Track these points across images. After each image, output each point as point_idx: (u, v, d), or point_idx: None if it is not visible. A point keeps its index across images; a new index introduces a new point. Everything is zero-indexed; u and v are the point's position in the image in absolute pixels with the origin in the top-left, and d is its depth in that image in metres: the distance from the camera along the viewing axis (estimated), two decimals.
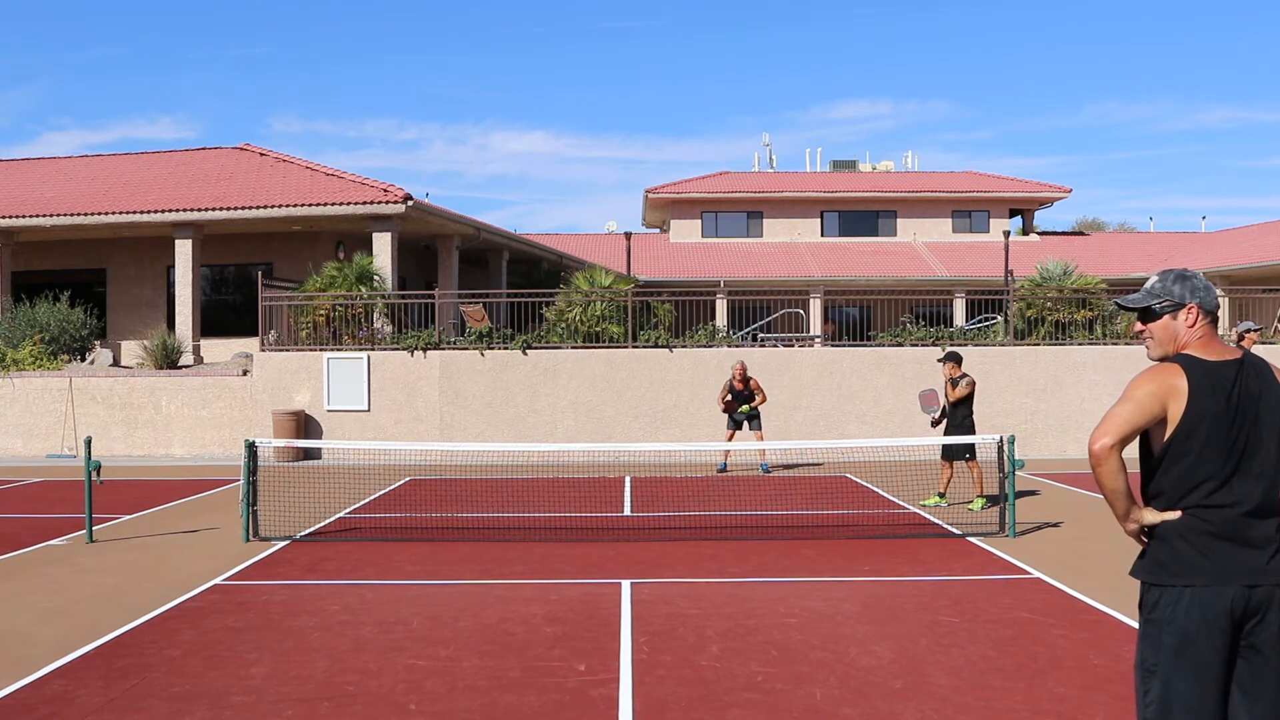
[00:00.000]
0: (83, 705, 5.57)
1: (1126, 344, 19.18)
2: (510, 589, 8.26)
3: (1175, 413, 3.30)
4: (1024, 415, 18.60)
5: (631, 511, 12.50)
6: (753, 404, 16.45)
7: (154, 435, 19.81)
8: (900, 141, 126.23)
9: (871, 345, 19.36)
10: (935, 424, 12.39)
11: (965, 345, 19.08)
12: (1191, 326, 3.40)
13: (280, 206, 22.79)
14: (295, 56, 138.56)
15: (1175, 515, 3.34)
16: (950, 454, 12.27)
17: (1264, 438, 3.29)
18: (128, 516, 12.30)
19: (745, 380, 16.42)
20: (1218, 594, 3.24)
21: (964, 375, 12.24)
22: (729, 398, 16.49)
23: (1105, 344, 19.25)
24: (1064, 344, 19.26)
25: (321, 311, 19.90)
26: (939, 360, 12.43)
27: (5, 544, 10.47)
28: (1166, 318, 3.45)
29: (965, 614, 7.33)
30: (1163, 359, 3.45)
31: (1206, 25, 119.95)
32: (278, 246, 25.69)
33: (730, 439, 16.43)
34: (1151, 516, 3.39)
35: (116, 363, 22.91)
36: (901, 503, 12.90)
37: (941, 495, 12.64)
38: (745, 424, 16.51)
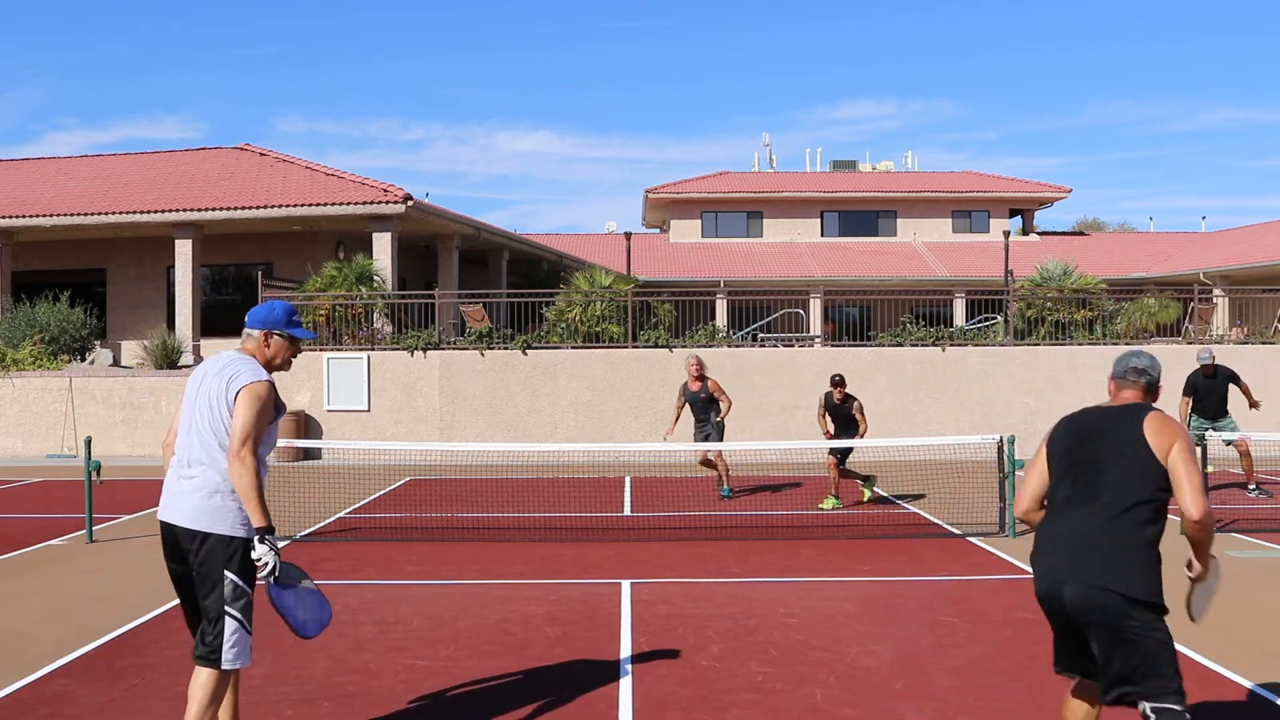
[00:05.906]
0: (83, 705, 5.57)
1: (1126, 344, 19.17)
2: (510, 589, 8.26)
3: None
4: (1024, 415, 18.59)
5: (631, 511, 12.50)
6: (719, 415, 12.82)
7: (154, 435, 19.78)
8: (904, 142, 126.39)
9: (871, 345, 19.36)
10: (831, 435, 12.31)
11: (965, 345, 19.09)
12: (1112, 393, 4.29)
13: (280, 206, 22.81)
14: (299, 56, 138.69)
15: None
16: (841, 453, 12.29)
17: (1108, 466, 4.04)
18: (128, 516, 12.30)
19: (702, 378, 12.82)
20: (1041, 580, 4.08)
21: (854, 398, 12.20)
22: (682, 403, 12.95)
23: (1105, 344, 19.25)
24: (1064, 344, 19.25)
25: (321, 311, 19.90)
26: (835, 383, 12.11)
27: (5, 544, 10.47)
28: None
29: (965, 614, 7.33)
30: None
31: (1210, 25, 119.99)
32: (278, 246, 25.70)
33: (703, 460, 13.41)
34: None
35: (116, 363, 22.92)
36: (901, 503, 12.90)
37: (836, 497, 12.46)
38: (706, 438, 12.84)
